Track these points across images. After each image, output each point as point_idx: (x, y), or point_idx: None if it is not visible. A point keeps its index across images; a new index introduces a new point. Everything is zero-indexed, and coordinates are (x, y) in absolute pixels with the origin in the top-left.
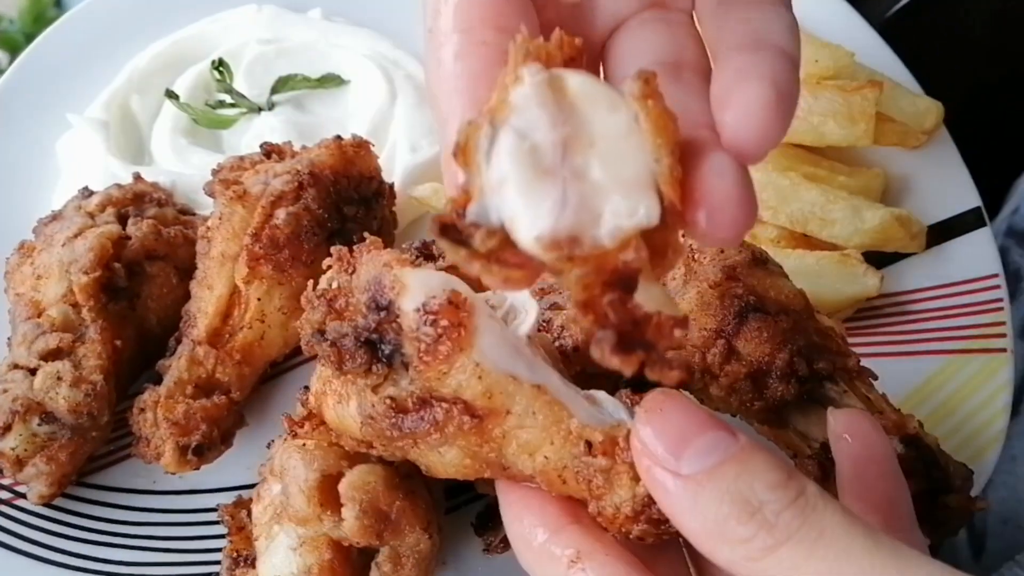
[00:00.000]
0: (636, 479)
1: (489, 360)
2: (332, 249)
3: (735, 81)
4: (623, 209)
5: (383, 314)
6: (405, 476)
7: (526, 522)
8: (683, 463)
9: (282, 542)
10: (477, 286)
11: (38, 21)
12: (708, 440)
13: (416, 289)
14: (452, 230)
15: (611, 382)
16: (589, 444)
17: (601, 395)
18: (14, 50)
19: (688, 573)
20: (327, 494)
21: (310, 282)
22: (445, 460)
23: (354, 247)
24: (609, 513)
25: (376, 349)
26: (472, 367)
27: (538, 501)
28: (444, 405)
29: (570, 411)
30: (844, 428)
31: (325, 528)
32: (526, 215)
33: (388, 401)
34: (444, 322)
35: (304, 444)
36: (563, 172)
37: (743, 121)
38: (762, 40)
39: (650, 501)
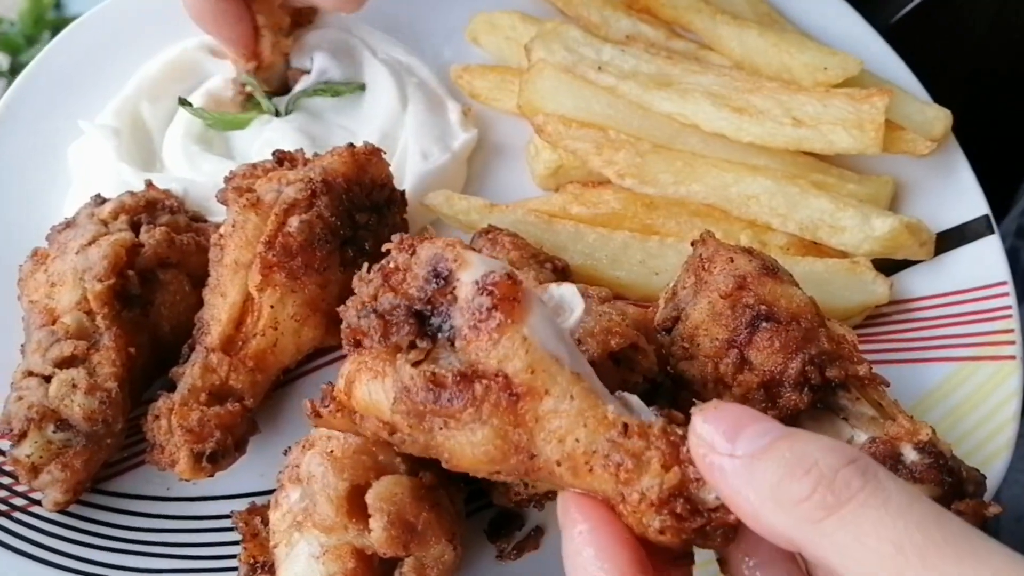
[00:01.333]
0: (666, 467)
1: (537, 337)
2: (393, 237)
3: None
4: None
5: (440, 283)
6: (430, 487)
7: (594, 558)
8: (738, 446)
9: (303, 550)
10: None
11: (38, 23)
12: (760, 427)
13: (477, 264)
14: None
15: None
16: (626, 426)
17: (633, 398)
18: (14, 52)
19: None
20: (355, 503)
21: (365, 264)
22: (474, 440)
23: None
24: (634, 500)
25: (424, 322)
26: (520, 340)
27: (608, 542)
28: (484, 381)
29: (605, 401)
30: None
31: (350, 537)
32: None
33: (428, 374)
34: (500, 294)
35: (331, 451)
36: None
37: None
38: None
39: (677, 492)
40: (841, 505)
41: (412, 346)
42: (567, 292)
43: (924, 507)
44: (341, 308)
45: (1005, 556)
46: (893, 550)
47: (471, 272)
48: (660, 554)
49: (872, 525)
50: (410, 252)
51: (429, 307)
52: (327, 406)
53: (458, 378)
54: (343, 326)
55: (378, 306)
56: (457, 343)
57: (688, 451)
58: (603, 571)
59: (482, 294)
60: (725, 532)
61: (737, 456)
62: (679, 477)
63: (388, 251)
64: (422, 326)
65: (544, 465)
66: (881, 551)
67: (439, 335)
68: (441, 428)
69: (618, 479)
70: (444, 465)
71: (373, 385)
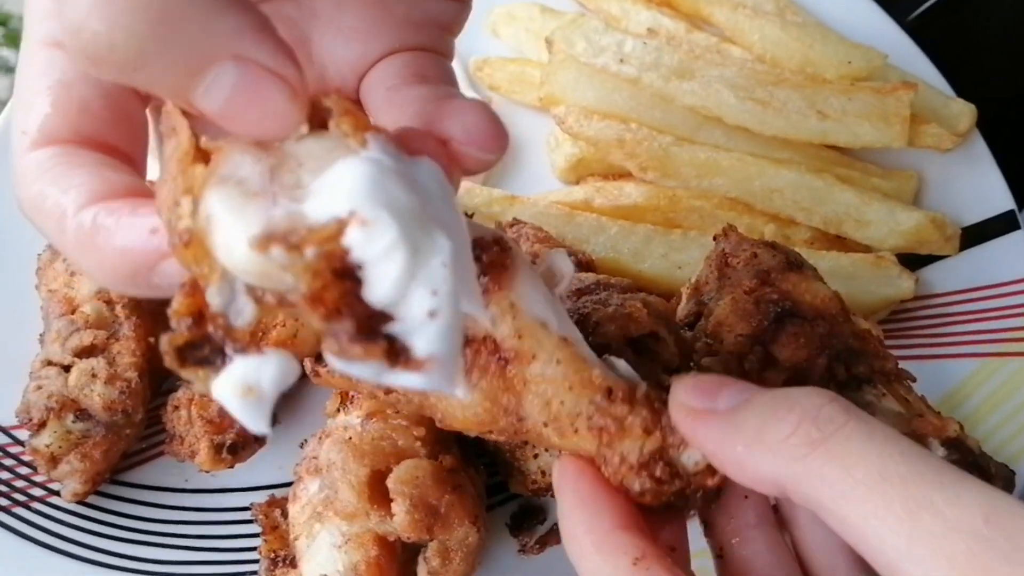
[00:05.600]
0: (647, 432)
1: (525, 302)
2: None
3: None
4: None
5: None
6: (451, 470)
7: (587, 513)
8: (719, 402)
9: (324, 540)
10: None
11: None
12: (740, 386)
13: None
14: (197, 345)
15: None
16: (610, 390)
17: (620, 363)
18: None
19: (687, 546)
20: (376, 489)
21: None
22: (465, 403)
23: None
24: (615, 462)
25: None
26: (507, 305)
27: (604, 500)
28: (474, 345)
29: (591, 365)
30: None
31: (372, 523)
32: (237, 228)
33: None
34: (487, 259)
35: (350, 438)
36: (272, 188)
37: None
38: None
39: (657, 456)
40: (826, 439)
41: None
42: (558, 258)
43: (907, 441)
44: None
45: (982, 487)
46: (879, 478)
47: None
48: (653, 510)
49: (858, 456)
50: None
51: None
52: (325, 365)
53: None
54: None
55: None
56: None
57: (670, 417)
58: (592, 532)
59: (480, 246)
60: (706, 495)
61: (717, 412)
62: (659, 442)
63: None
64: None
65: (532, 427)
66: (868, 480)
67: None
68: None
69: (600, 441)
70: (438, 424)
71: None
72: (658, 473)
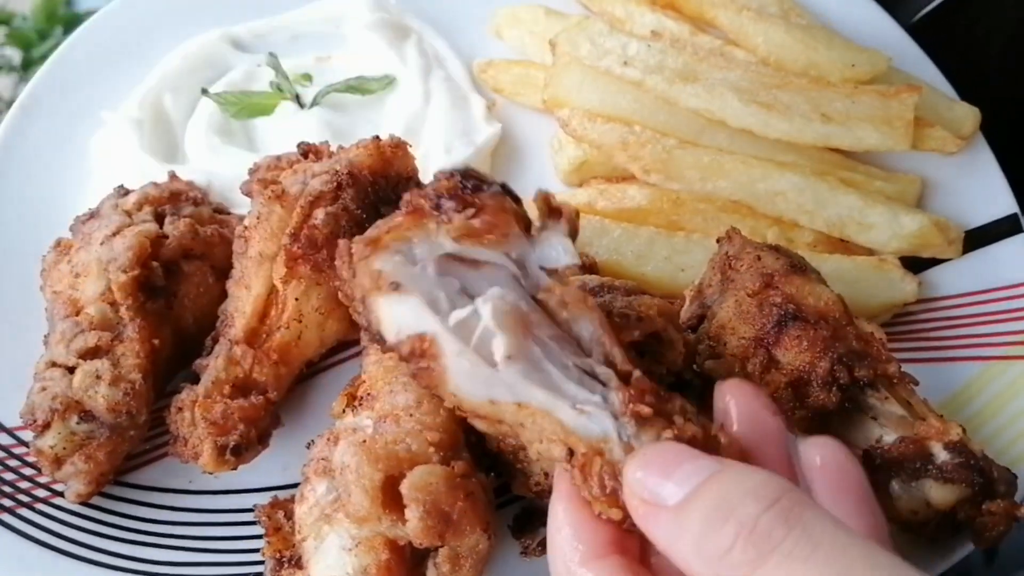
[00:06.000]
0: (608, 503)
1: (464, 391)
2: (341, 243)
3: None
4: None
5: (376, 336)
6: (463, 476)
7: (571, 538)
8: (668, 493)
9: (333, 543)
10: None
11: (51, 19)
12: (690, 468)
13: (389, 325)
14: None
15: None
16: (571, 452)
17: (592, 408)
18: (27, 47)
19: None
20: (389, 494)
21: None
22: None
23: (353, 247)
24: (590, 495)
25: None
26: (451, 396)
27: (590, 524)
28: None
29: (558, 419)
30: (816, 453)
31: (382, 528)
32: None
33: None
34: (413, 365)
35: (364, 442)
36: None
37: None
38: None
39: (621, 520)
40: (764, 559)
41: None
42: (488, 317)
43: (854, 551)
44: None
45: None
46: None
47: (386, 331)
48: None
49: None
50: (352, 275)
51: None
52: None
53: None
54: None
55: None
56: None
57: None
58: (577, 551)
59: (402, 360)
60: None
61: (666, 507)
62: (620, 515)
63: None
64: None
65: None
66: None
67: None
68: None
69: (573, 480)
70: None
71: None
72: (626, 526)
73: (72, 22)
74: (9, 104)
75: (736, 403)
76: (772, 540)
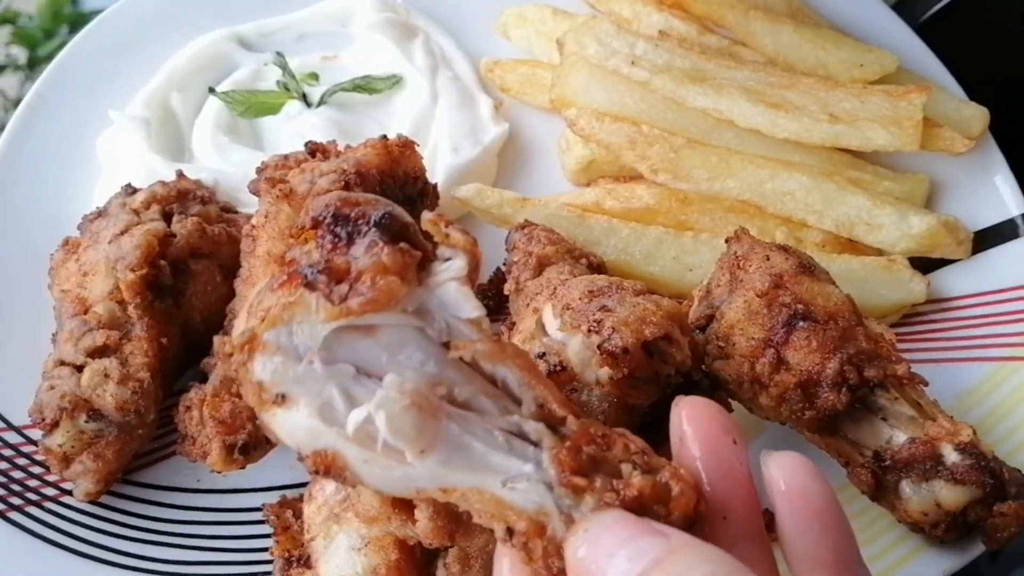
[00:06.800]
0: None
1: (386, 490)
2: (216, 341)
3: None
4: None
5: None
6: None
7: None
8: (614, 574)
9: (343, 542)
10: None
11: (56, 18)
12: (637, 546)
13: (288, 440)
14: None
15: (660, 388)
16: (511, 531)
17: (525, 484)
18: (32, 46)
19: None
20: None
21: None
22: None
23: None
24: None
25: None
26: (372, 492)
27: None
28: None
29: (492, 497)
30: (780, 476)
31: (392, 527)
32: None
33: None
34: (328, 477)
35: None
36: None
37: None
38: None
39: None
40: None
41: None
42: (387, 409)
43: None
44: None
45: None
46: None
47: (289, 444)
48: None
49: None
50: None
51: None
52: None
53: None
54: None
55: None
56: None
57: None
58: None
59: (313, 474)
60: None
61: None
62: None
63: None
64: None
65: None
66: None
67: None
68: None
69: (520, 558)
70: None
71: None
72: None
73: (77, 21)
74: (15, 103)
75: (694, 429)
76: None
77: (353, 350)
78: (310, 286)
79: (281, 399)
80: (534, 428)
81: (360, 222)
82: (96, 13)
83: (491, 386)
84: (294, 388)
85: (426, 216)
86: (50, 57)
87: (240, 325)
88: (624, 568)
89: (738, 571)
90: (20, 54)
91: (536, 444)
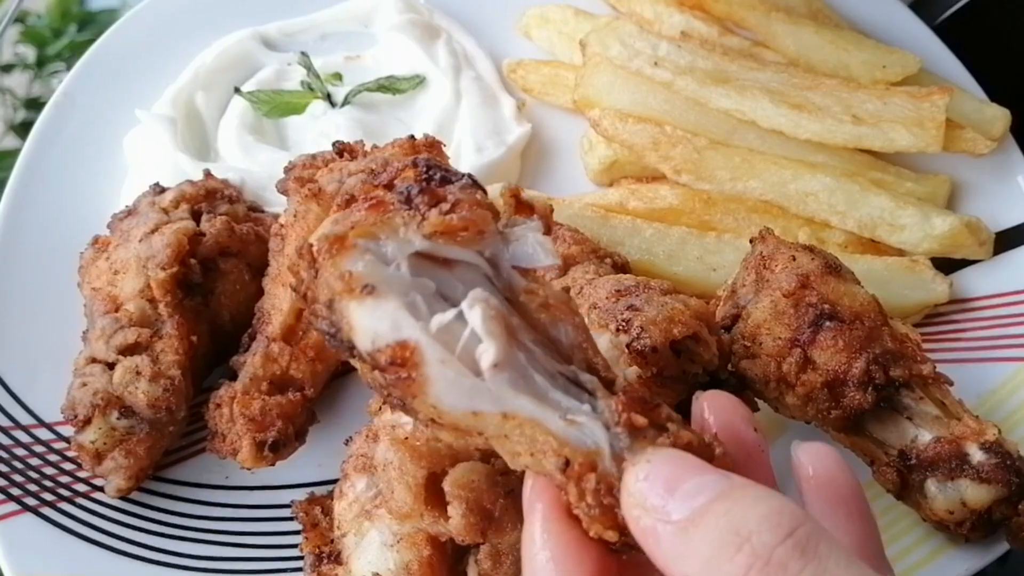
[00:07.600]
0: (602, 524)
1: (445, 403)
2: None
3: None
4: None
5: (343, 343)
6: (504, 473)
7: (550, 566)
8: (672, 507)
9: (375, 538)
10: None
11: (65, 17)
12: (697, 482)
13: (363, 332)
14: None
15: (688, 386)
16: (567, 463)
17: (583, 419)
18: (41, 45)
19: None
20: (432, 491)
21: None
22: None
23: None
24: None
25: None
26: (429, 409)
27: (573, 550)
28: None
29: (549, 430)
30: (809, 463)
31: (425, 524)
32: None
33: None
34: (391, 375)
35: (407, 439)
36: None
37: None
38: None
39: (617, 537)
40: None
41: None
42: (478, 322)
43: None
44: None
45: None
46: None
47: (360, 340)
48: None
49: None
50: (314, 272)
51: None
52: None
53: None
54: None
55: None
56: None
57: (623, 514)
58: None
59: (378, 367)
60: None
61: (671, 521)
62: (616, 535)
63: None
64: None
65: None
66: None
67: None
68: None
69: (567, 495)
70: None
71: None
72: (618, 546)
73: (86, 20)
74: (24, 102)
75: (715, 417)
76: (787, 574)
77: (433, 275)
78: (409, 201)
79: (369, 290)
80: (588, 379)
81: (450, 173)
82: (104, 12)
83: (547, 340)
84: (383, 283)
85: (506, 185)
86: (59, 56)
87: (309, 240)
88: (687, 499)
89: (804, 520)
90: (29, 53)
91: (591, 393)
